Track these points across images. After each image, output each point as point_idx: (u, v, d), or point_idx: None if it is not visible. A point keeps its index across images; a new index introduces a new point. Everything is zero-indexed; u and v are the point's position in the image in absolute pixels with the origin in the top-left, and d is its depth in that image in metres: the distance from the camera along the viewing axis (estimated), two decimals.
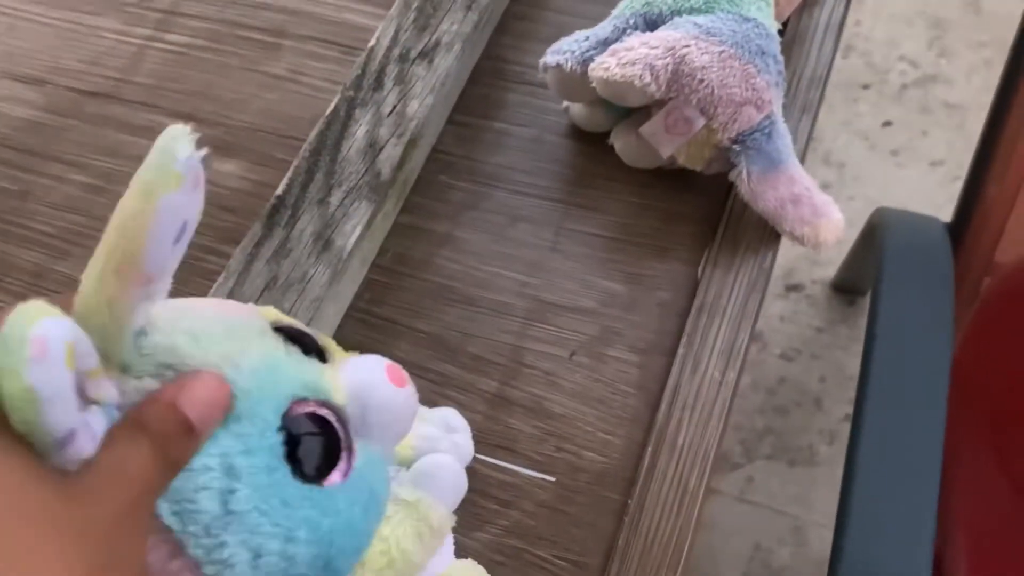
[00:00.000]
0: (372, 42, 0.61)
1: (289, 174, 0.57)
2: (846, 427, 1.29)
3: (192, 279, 0.56)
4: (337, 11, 0.68)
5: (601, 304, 0.56)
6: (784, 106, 0.56)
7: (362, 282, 0.58)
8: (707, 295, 0.55)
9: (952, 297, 0.73)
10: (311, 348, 0.35)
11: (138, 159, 0.27)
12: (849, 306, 1.37)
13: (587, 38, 0.55)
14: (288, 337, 0.34)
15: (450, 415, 0.50)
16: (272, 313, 0.35)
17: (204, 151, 0.26)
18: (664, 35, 0.51)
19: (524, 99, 0.64)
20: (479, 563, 0.49)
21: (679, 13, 0.53)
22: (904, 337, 0.71)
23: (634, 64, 0.50)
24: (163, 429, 0.28)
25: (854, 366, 1.34)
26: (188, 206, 0.27)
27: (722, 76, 0.50)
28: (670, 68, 0.50)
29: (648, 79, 0.50)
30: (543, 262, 0.58)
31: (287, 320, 0.35)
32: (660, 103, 0.53)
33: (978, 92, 1.45)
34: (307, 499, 0.31)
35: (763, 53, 0.52)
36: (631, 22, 0.54)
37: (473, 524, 0.50)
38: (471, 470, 0.50)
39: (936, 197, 1.36)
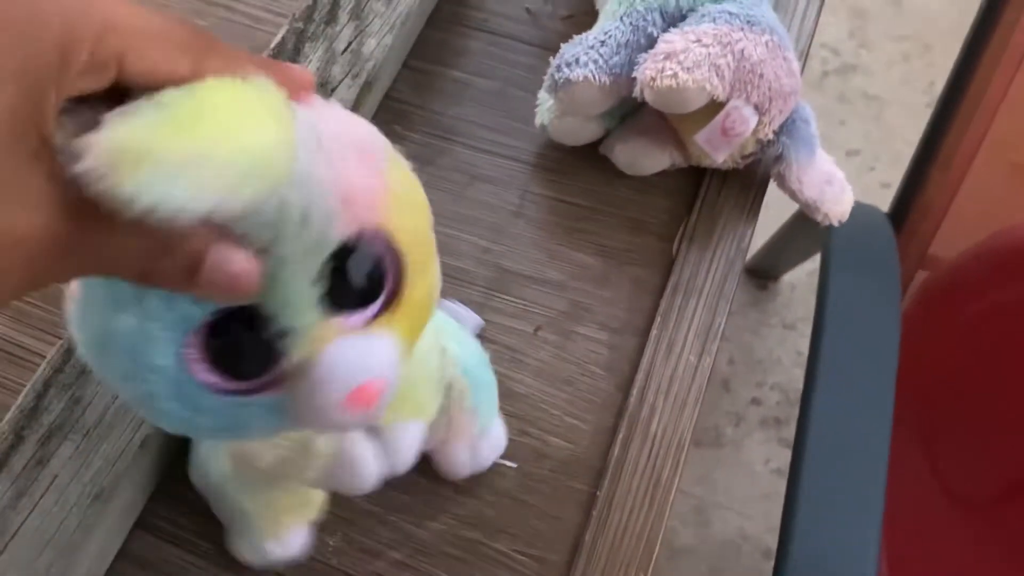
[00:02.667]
0: None
1: None
2: (753, 410, 1.30)
3: None
4: None
5: (570, 277, 0.51)
6: None
7: None
8: (683, 273, 0.51)
9: (899, 286, 0.72)
10: None
11: None
12: (761, 291, 1.37)
13: (602, 43, 0.49)
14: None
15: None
16: None
17: None
18: (709, 30, 0.46)
19: (487, 48, 0.58)
20: (432, 556, 0.44)
21: (700, 3, 0.49)
22: (852, 325, 0.70)
23: (700, 67, 0.45)
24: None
25: (763, 349, 1.35)
26: None
27: (775, 68, 0.46)
28: (732, 66, 0.46)
29: (716, 82, 0.45)
30: (506, 227, 0.53)
31: None
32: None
33: (896, 85, 1.47)
34: None
35: (787, 34, 0.49)
36: (649, 18, 0.49)
37: (425, 512, 0.45)
38: (422, 458, 0.45)
39: (852, 186, 1.38)
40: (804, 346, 1.35)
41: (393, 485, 0.46)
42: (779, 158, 0.50)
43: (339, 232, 0.26)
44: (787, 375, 1.32)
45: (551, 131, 0.53)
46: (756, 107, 0.47)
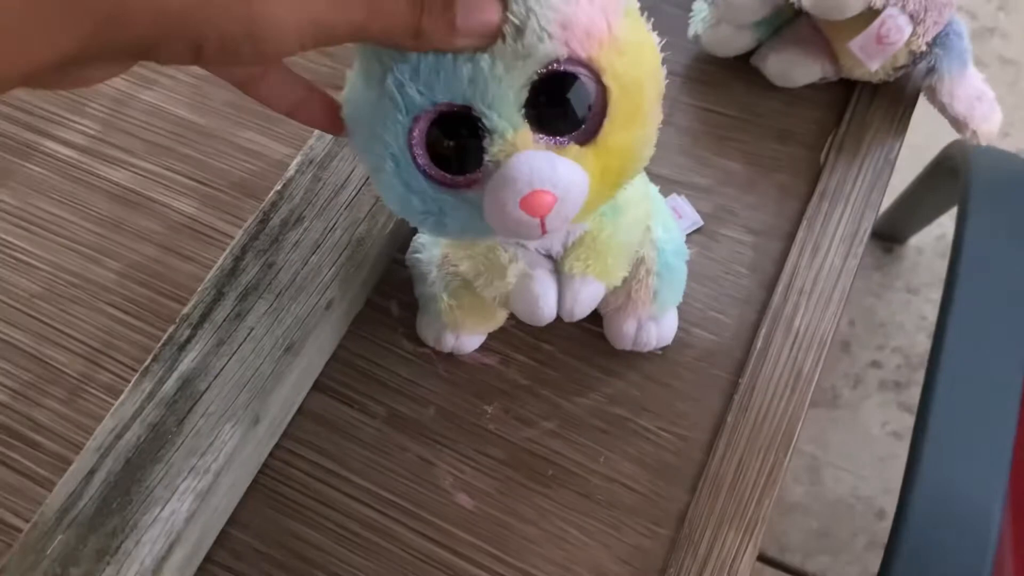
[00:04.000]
0: None
1: None
2: (871, 372, 1.29)
3: None
4: None
5: (716, 182, 0.54)
6: None
7: None
8: (830, 181, 0.52)
9: None
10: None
11: None
12: (886, 253, 1.35)
13: None
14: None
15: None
16: None
17: None
18: None
19: None
20: (581, 428, 0.47)
21: None
22: (990, 271, 0.69)
23: None
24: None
25: (885, 313, 1.33)
26: None
27: None
28: None
29: None
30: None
31: None
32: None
33: None
34: None
35: None
36: None
37: (575, 390, 0.48)
38: (575, 338, 0.48)
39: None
40: (928, 311, 1.33)
41: (544, 363, 0.49)
42: (931, 70, 0.51)
43: (551, 50, 0.29)
44: (909, 339, 1.30)
45: (704, 41, 0.55)
46: (911, 16, 0.48)
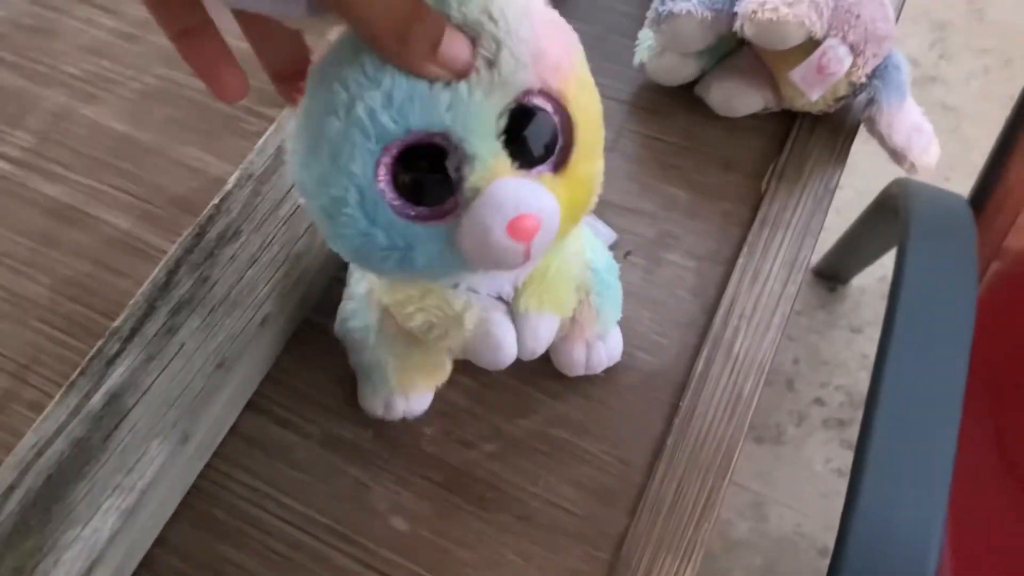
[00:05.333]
0: None
1: None
2: (815, 409, 1.30)
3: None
4: None
5: (661, 208, 0.54)
6: None
7: None
8: (771, 208, 0.53)
9: (976, 271, 0.73)
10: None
11: None
12: (829, 292, 1.37)
13: None
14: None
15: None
16: None
17: None
18: None
19: None
20: (521, 450, 0.47)
21: None
22: (930, 303, 0.70)
23: (800, 2, 0.48)
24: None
25: (829, 351, 1.35)
26: None
27: (871, 11, 0.49)
28: (830, 4, 0.49)
29: (815, 18, 0.48)
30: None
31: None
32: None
33: (975, 98, 1.47)
34: None
35: None
36: None
37: (517, 412, 0.48)
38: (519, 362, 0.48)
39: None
40: (870, 350, 1.35)
41: (488, 385, 0.49)
42: (871, 102, 0.52)
43: (524, 79, 0.30)
44: (852, 378, 1.32)
45: (650, 70, 0.56)
46: (851, 47, 0.49)
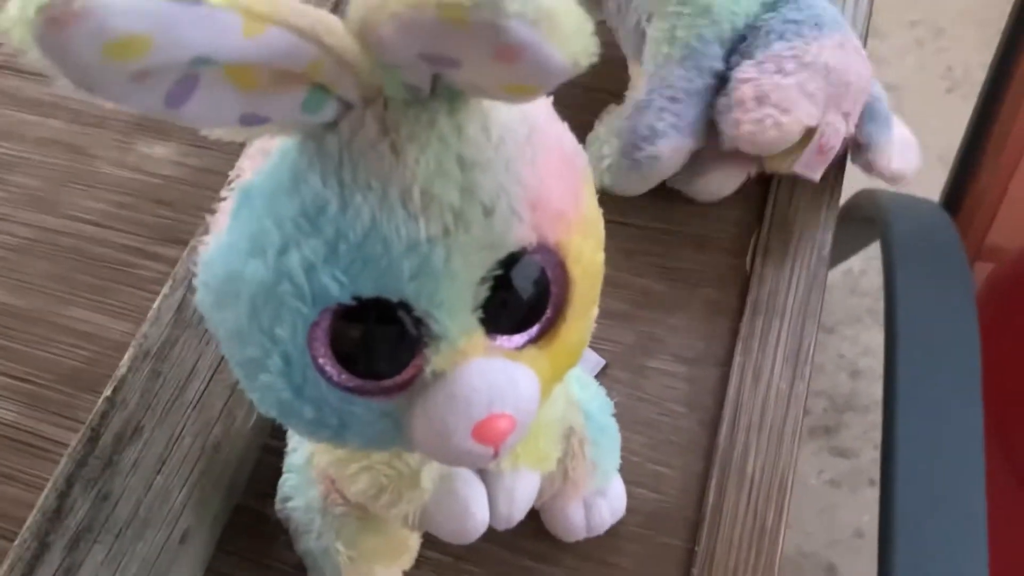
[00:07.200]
0: None
1: None
2: None
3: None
4: None
5: (635, 305, 0.47)
6: None
7: None
8: (760, 291, 0.46)
9: (971, 282, 0.67)
10: None
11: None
12: None
13: (672, 99, 0.45)
14: None
15: None
16: None
17: None
18: (785, 52, 0.43)
19: None
20: None
21: (756, 17, 0.45)
22: (929, 327, 0.65)
23: (796, 104, 0.43)
24: None
25: None
26: None
27: (856, 68, 0.44)
28: (822, 87, 0.43)
29: (813, 111, 0.43)
30: None
31: None
32: None
33: (912, 72, 1.42)
34: None
35: (844, 19, 0.47)
36: (709, 53, 0.44)
37: None
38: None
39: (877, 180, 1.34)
40: (846, 350, 1.30)
41: (464, 558, 0.41)
42: (865, 147, 0.47)
43: (518, 237, 0.23)
44: (831, 381, 1.27)
45: (618, 190, 0.48)
46: (844, 115, 0.44)
